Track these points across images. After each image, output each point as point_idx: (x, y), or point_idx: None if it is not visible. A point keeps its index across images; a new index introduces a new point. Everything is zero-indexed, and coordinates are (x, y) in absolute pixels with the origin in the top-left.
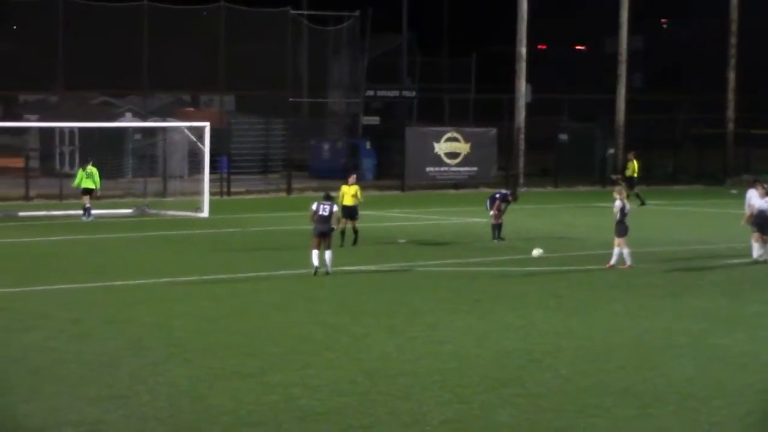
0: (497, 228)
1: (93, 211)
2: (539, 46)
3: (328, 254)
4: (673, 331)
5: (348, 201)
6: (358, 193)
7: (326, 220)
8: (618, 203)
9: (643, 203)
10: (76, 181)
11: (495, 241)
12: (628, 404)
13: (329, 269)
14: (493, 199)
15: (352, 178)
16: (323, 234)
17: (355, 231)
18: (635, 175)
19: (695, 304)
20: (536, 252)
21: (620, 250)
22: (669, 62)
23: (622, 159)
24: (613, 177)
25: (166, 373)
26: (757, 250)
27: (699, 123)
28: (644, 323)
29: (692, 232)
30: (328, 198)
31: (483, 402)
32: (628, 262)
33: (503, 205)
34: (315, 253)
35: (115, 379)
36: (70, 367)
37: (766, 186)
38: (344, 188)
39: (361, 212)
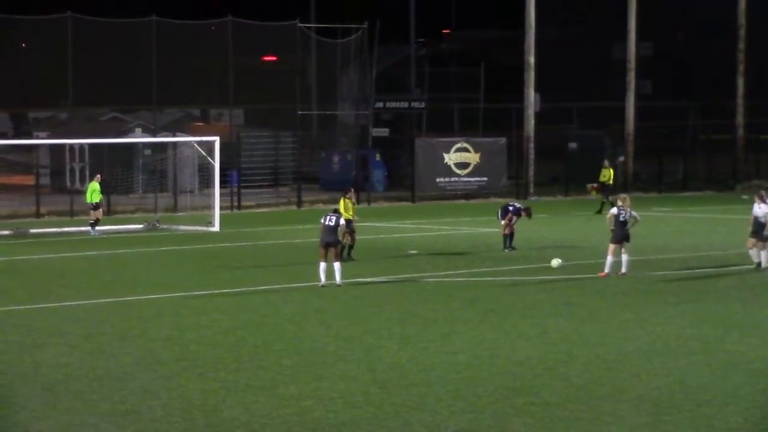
0: (509, 237)
1: (98, 227)
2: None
3: (336, 266)
4: (686, 338)
5: (348, 214)
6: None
7: (332, 230)
8: (613, 210)
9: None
10: None
11: (506, 250)
12: (643, 411)
13: (339, 281)
14: (505, 210)
15: (350, 193)
16: (329, 244)
17: (350, 245)
18: (610, 182)
19: (708, 310)
20: (555, 262)
21: (625, 256)
22: (678, 68)
23: (632, 166)
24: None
25: (179, 387)
26: (755, 256)
27: (708, 129)
28: (657, 330)
29: (703, 239)
30: (335, 211)
31: (497, 411)
32: (606, 269)
33: (515, 218)
34: (322, 266)
35: (128, 394)
36: (83, 383)
37: (762, 192)
38: (344, 201)
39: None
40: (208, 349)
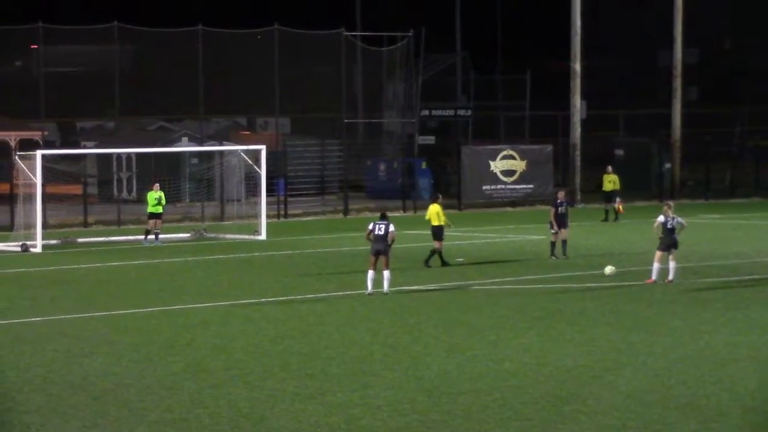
0: (563, 244)
1: (150, 236)
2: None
3: (386, 274)
4: (734, 345)
5: (437, 220)
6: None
7: (382, 239)
8: (660, 218)
9: (615, 219)
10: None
11: (552, 257)
12: (692, 419)
13: (386, 289)
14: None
15: (439, 198)
16: (379, 252)
17: (437, 251)
18: (616, 187)
19: (756, 317)
20: (608, 269)
21: (672, 264)
22: (724, 75)
23: (678, 173)
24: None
25: (226, 396)
26: None
27: (756, 135)
28: (705, 337)
29: (751, 246)
30: (384, 217)
31: (544, 419)
32: (653, 276)
33: (560, 210)
34: (371, 274)
35: (175, 403)
36: (131, 392)
37: None
38: (433, 207)
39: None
40: (256, 357)
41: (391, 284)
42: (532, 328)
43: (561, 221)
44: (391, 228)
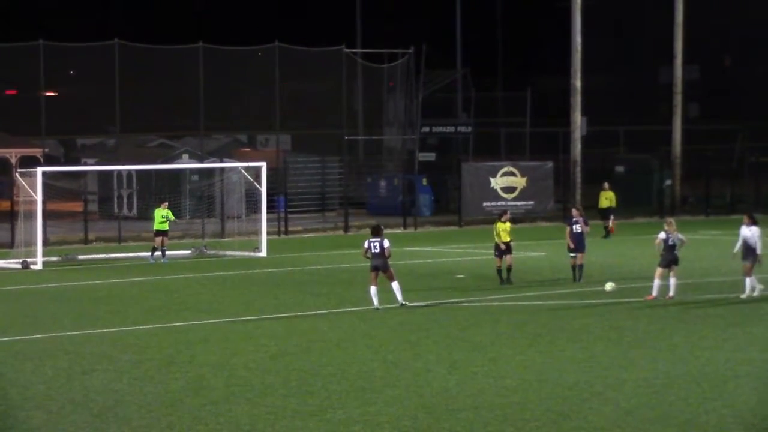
0: (574, 268)
1: (156, 253)
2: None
3: (394, 285)
4: (735, 362)
5: (504, 237)
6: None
7: (380, 255)
8: (661, 235)
9: (606, 236)
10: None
11: (577, 281)
12: None
13: (401, 300)
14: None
15: (506, 216)
16: (377, 268)
17: (508, 268)
18: (613, 205)
19: (757, 333)
20: (609, 286)
21: (673, 280)
22: (725, 91)
23: (679, 189)
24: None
25: (227, 413)
26: (748, 285)
27: (756, 152)
28: (706, 354)
29: None
30: (376, 233)
31: None
32: (654, 292)
33: (575, 228)
34: (373, 290)
35: (176, 420)
36: (132, 409)
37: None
38: (499, 225)
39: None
40: (256, 374)
41: (402, 293)
42: (533, 345)
43: (576, 241)
44: (386, 243)
